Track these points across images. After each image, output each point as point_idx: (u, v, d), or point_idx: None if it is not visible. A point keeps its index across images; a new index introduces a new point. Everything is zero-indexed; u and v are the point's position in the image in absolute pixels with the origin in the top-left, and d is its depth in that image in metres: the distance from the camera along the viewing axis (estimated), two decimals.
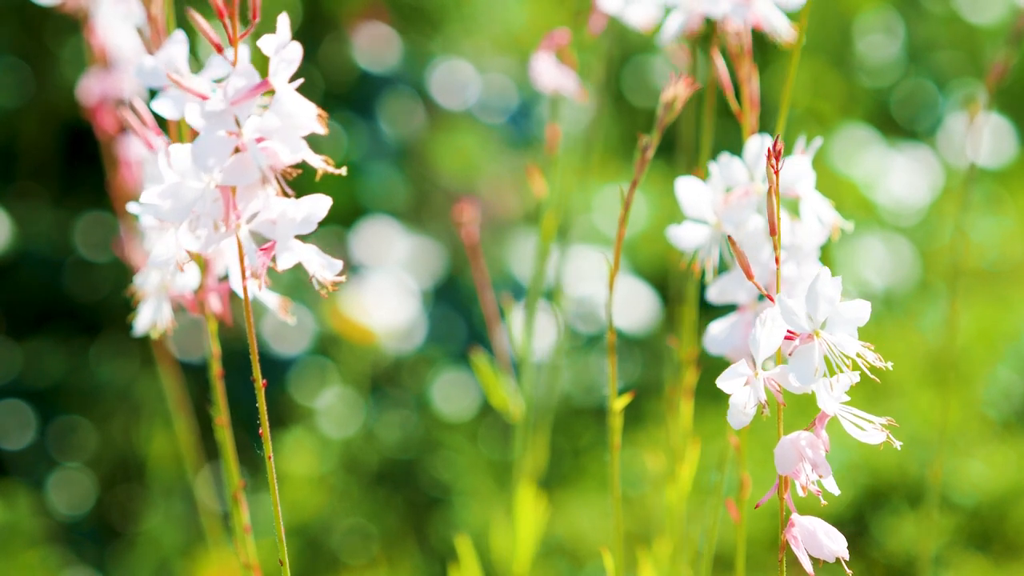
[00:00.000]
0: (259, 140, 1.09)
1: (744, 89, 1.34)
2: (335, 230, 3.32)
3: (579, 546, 2.83)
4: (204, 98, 1.09)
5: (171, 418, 2.04)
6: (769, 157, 1.09)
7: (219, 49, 1.10)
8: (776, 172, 1.09)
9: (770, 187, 1.09)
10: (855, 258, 3.40)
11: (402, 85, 3.47)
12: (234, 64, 1.09)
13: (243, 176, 1.09)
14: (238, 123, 1.09)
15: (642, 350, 3.31)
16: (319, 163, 1.11)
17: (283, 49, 1.09)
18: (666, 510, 1.62)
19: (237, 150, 1.09)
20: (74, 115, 3.00)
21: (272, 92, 1.09)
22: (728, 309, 1.34)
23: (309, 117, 1.09)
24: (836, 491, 1.09)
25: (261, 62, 1.11)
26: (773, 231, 1.10)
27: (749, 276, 1.11)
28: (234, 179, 1.09)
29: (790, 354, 1.08)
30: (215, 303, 1.39)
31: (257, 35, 1.11)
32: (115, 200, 2.02)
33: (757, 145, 1.30)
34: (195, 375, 2.96)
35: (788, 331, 1.08)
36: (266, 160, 1.09)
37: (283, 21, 1.09)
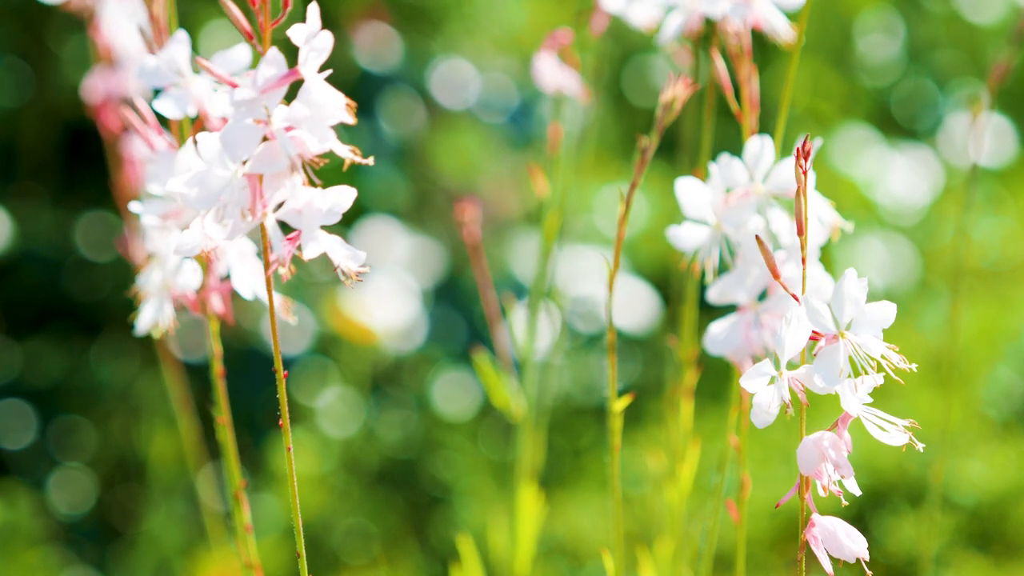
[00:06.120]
0: (287, 129, 1.09)
1: (744, 90, 1.34)
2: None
3: (579, 546, 2.83)
4: (234, 86, 1.10)
5: (171, 418, 2.04)
6: (797, 156, 1.09)
7: (249, 37, 1.10)
8: (804, 172, 1.09)
9: (798, 187, 1.09)
10: (855, 258, 3.40)
11: (402, 85, 3.47)
12: (263, 53, 1.09)
13: (271, 164, 1.09)
14: (267, 111, 1.09)
15: (642, 350, 3.31)
16: (346, 153, 1.12)
17: (313, 38, 1.09)
18: (666, 510, 1.62)
19: (265, 139, 1.09)
20: (75, 115, 3.00)
21: (300, 82, 1.10)
22: (728, 309, 1.34)
23: (338, 106, 1.10)
24: (857, 491, 1.09)
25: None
26: (801, 231, 1.10)
27: (775, 275, 1.11)
28: (262, 167, 1.09)
29: (815, 354, 1.07)
30: (217, 303, 1.39)
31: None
32: (118, 199, 2.02)
33: (757, 146, 1.30)
34: (195, 375, 2.96)
35: (813, 331, 1.07)
36: (295, 148, 1.09)
37: (313, 10, 1.09)
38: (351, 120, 1.10)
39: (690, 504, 1.65)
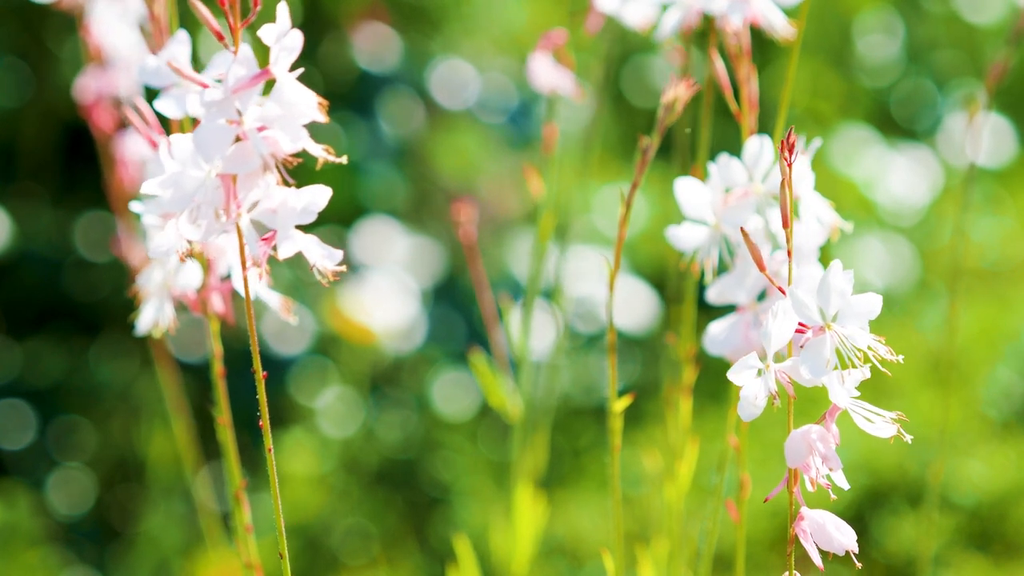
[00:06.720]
0: (260, 129, 1.09)
1: (743, 89, 1.34)
2: (335, 230, 3.32)
3: (579, 546, 2.83)
4: (205, 87, 1.10)
5: (171, 418, 2.04)
6: (782, 150, 1.09)
7: (220, 37, 1.10)
8: (789, 165, 1.09)
9: (783, 179, 1.09)
10: (855, 258, 3.40)
11: (402, 85, 3.47)
12: (235, 53, 1.09)
13: (244, 164, 1.09)
14: (239, 112, 1.09)
15: (642, 350, 3.31)
16: (320, 152, 1.11)
17: (284, 37, 1.09)
18: (665, 509, 1.62)
19: (238, 139, 1.09)
20: (74, 115, 3.00)
21: (273, 81, 1.10)
22: (727, 309, 1.34)
23: (310, 105, 1.10)
24: (845, 485, 1.08)
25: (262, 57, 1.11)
26: (786, 223, 1.10)
27: (761, 268, 1.11)
28: (235, 167, 1.09)
29: (801, 346, 1.07)
30: (217, 302, 1.39)
31: (254, 28, 1.11)
32: (113, 199, 2.02)
33: (756, 146, 1.30)
34: (194, 375, 2.96)
35: (799, 324, 1.07)
36: (267, 148, 1.09)
37: (283, 9, 1.09)
38: (323, 119, 1.10)
39: (690, 504, 1.65)
